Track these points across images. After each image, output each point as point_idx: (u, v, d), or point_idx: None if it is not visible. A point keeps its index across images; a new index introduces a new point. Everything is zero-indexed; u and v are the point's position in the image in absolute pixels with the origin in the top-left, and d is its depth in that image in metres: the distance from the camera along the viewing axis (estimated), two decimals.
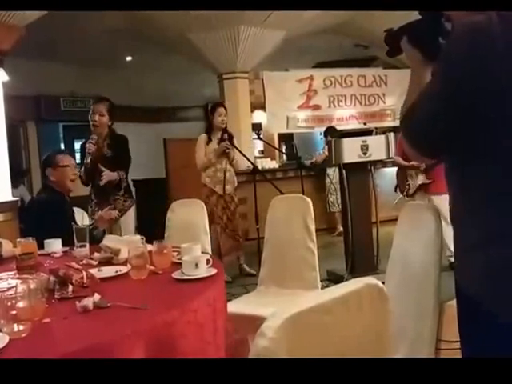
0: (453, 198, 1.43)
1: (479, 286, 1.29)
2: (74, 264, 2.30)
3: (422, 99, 1.36)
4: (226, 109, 5.69)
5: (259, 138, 6.73)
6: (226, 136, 5.49)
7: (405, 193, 5.34)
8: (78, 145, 11.36)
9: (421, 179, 5.16)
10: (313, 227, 3.17)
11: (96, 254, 2.51)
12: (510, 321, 1.22)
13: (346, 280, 3.98)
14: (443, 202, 1.41)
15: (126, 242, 2.50)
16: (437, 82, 1.33)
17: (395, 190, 5.56)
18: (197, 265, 2.05)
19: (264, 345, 0.85)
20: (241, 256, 5.89)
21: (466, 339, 1.38)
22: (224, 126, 5.56)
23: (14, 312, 1.48)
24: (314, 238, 3.17)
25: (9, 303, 1.49)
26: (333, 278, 5.18)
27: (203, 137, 5.60)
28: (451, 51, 1.30)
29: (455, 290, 1.40)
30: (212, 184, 5.54)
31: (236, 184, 5.71)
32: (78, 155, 10.72)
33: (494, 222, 1.28)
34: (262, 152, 10.87)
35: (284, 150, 10.63)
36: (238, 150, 5.50)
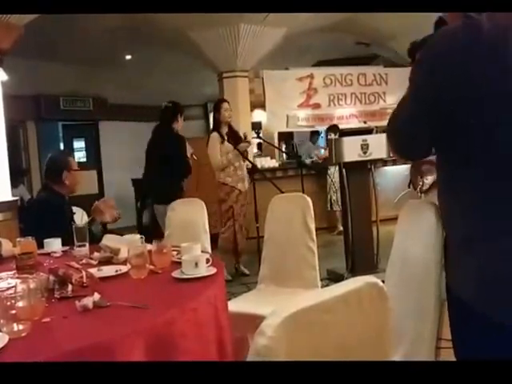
0: (440, 198, 1.45)
1: (465, 286, 1.30)
2: (73, 263, 2.31)
3: (402, 103, 1.42)
4: (229, 104, 5.73)
5: (259, 137, 6.72)
6: (245, 134, 5.62)
7: (418, 189, 5.30)
8: (77, 144, 11.38)
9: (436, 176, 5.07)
10: (313, 226, 3.17)
11: (96, 254, 2.51)
12: (495, 321, 1.23)
13: (346, 279, 3.97)
14: None
15: (126, 241, 2.50)
16: (413, 87, 1.39)
17: (408, 186, 5.51)
18: (196, 264, 2.05)
19: (263, 343, 0.85)
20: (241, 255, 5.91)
21: (455, 338, 1.41)
22: (230, 120, 5.63)
23: (13, 311, 1.48)
24: (314, 236, 3.16)
25: (8, 303, 1.49)
26: (333, 277, 5.18)
27: (216, 136, 5.56)
28: (423, 57, 1.36)
29: (445, 290, 1.41)
30: (234, 182, 5.56)
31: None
32: (77, 154, 10.81)
33: (478, 224, 1.29)
34: (261, 151, 10.85)
35: (284, 149, 10.63)
36: (237, 149, 5.50)
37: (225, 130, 5.58)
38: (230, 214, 5.52)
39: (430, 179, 5.24)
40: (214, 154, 5.51)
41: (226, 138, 5.54)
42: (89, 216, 3.94)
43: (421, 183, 5.29)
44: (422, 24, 7.68)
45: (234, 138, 5.56)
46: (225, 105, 5.62)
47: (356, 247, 5.05)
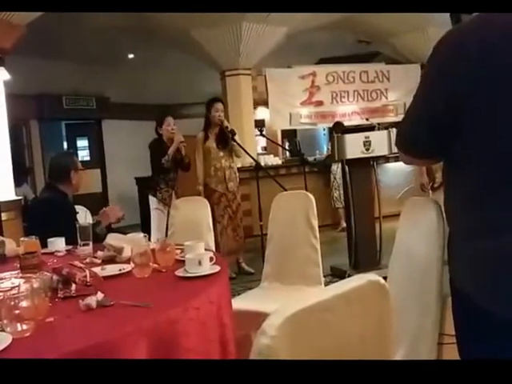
0: (444, 192, 1.46)
1: (466, 280, 1.31)
2: (77, 263, 2.31)
3: (409, 107, 1.45)
4: (223, 104, 5.66)
5: (262, 135, 6.72)
6: (231, 129, 5.46)
7: (429, 186, 5.30)
8: (80, 143, 11.39)
9: None
10: (316, 223, 3.17)
11: (99, 253, 2.51)
12: (497, 316, 1.23)
13: (350, 275, 3.97)
14: None
15: (130, 240, 2.51)
16: (421, 86, 1.41)
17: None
18: (200, 262, 2.05)
19: (265, 343, 0.85)
20: (240, 255, 5.88)
21: (459, 335, 1.42)
22: (221, 121, 5.46)
23: (17, 311, 1.49)
24: (317, 234, 3.16)
25: (12, 303, 1.49)
26: (336, 274, 5.18)
27: (200, 136, 5.56)
28: (427, 62, 1.38)
29: (449, 284, 1.42)
30: (214, 184, 5.50)
31: (238, 181, 5.70)
32: (80, 153, 10.82)
33: (479, 218, 1.30)
34: (264, 148, 10.86)
35: (287, 147, 10.62)
36: (241, 147, 5.48)
37: (215, 130, 5.51)
38: (212, 215, 5.44)
39: (439, 177, 5.20)
40: (195, 154, 5.53)
41: (213, 138, 5.48)
42: (92, 215, 3.97)
43: (432, 180, 5.24)
44: (421, 22, 7.62)
45: (226, 138, 5.47)
46: (216, 105, 5.49)
47: (359, 244, 5.05)
